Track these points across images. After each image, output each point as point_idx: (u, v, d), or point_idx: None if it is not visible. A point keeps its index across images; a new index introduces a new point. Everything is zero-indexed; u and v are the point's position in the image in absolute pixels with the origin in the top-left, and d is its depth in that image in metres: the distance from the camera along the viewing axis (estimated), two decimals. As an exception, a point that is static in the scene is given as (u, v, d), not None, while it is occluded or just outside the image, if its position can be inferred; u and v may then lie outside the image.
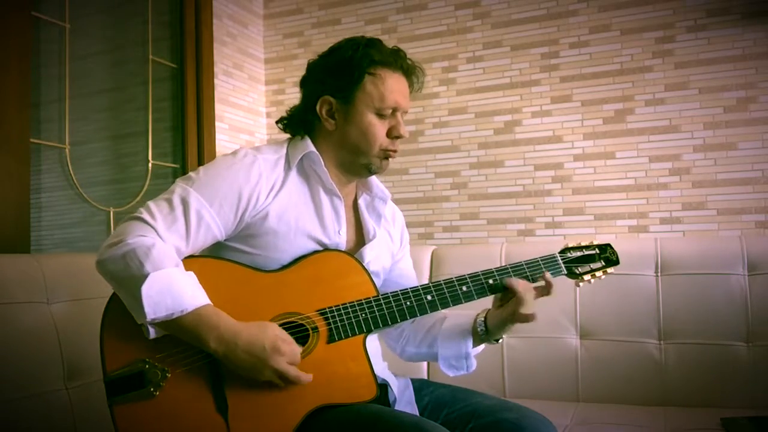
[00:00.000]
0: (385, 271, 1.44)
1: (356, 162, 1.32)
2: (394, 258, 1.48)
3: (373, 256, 1.36)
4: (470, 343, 1.38)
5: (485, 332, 1.36)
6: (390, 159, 1.33)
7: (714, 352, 1.92)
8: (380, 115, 1.29)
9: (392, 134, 1.31)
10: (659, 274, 2.02)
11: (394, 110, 1.30)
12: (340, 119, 1.30)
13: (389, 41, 1.35)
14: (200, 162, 2.52)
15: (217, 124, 2.61)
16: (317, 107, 1.31)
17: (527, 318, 1.28)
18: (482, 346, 1.42)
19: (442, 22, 2.61)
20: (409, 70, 1.34)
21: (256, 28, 2.88)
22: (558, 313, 2.08)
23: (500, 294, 1.32)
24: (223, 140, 2.65)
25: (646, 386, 1.96)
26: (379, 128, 1.29)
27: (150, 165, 2.39)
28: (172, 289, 1.09)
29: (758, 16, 2.18)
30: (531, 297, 1.29)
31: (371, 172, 1.34)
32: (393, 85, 1.29)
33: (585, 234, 2.37)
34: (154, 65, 2.44)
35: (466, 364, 1.40)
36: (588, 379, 2.02)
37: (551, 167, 2.44)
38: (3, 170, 1.83)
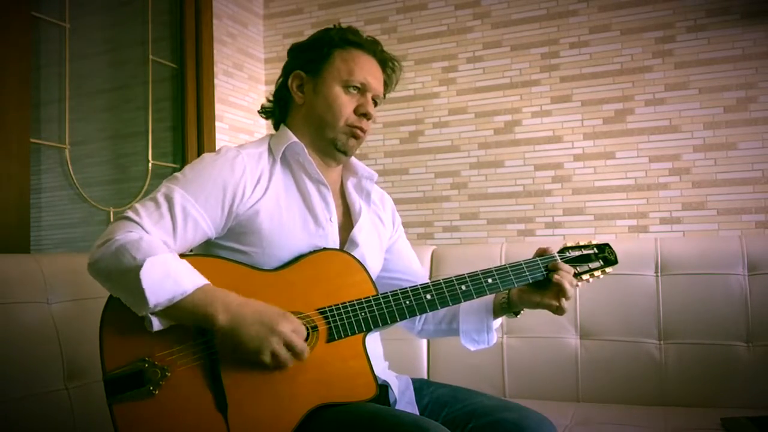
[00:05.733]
0: (381, 254, 1.45)
1: (323, 137, 1.33)
2: (389, 240, 1.49)
3: (363, 237, 1.37)
4: (492, 316, 1.42)
5: (507, 304, 1.40)
6: (358, 139, 1.34)
7: (714, 352, 1.92)
8: (347, 88, 1.31)
9: (359, 111, 1.32)
10: (659, 274, 2.02)
11: (364, 88, 1.33)
12: (309, 92, 1.34)
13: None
14: (200, 162, 2.52)
15: (217, 124, 2.61)
16: (289, 82, 1.35)
17: (561, 312, 1.33)
18: (499, 322, 1.46)
19: (442, 22, 2.61)
20: (383, 59, 1.37)
21: (256, 28, 2.88)
22: (558, 313, 2.07)
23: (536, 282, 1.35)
24: (223, 140, 2.65)
25: (646, 386, 1.96)
26: (345, 101, 1.31)
27: (150, 165, 2.39)
28: (171, 273, 1.09)
29: (758, 16, 2.18)
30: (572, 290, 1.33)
31: (338, 149, 1.34)
32: (363, 64, 1.33)
33: (585, 234, 2.37)
34: (154, 65, 2.44)
35: (488, 338, 1.43)
36: (588, 379, 2.02)
37: (551, 167, 2.44)
38: (3, 170, 1.83)
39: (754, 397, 1.86)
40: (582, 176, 2.40)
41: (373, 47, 1.36)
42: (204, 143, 2.54)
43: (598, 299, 2.05)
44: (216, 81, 2.62)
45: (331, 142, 1.33)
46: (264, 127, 2.88)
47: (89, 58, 2.24)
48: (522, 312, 1.42)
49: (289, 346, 1.12)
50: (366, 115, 1.32)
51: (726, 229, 2.22)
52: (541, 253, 1.37)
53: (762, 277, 1.93)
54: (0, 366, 1.40)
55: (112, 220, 2.24)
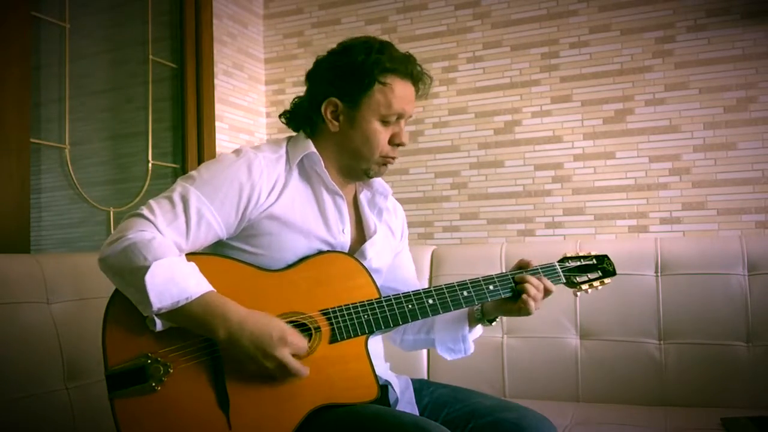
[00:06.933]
0: (387, 266, 1.45)
1: (356, 166, 1.33)
2: (395, 251, 1.49)
3: (375, 252, 1.37)
4: (466, 325, 1.42)
5: (481, 313, 1.41)
6: (387, 165, 1.34)
7: (714, 352, 1.92)
8: (385, 122, 1.29)
9: (394, 141, 1.31)
10: (659, 274, 2.02)
11: (399, 117, 1.31)
12: (345, 122, 1.30)
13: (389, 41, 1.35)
14: (200, 162, 2.52)
15: (217, 124, 2.61)
16: (322, 107, 1.30)
17: (529, 310, 1.32)
18: (479, 332, 1.46)
19: (442, 22, 2.61)
20: (417, 77, 1.33)
21: (256, 28, 2.88)
22: (558, 313, 2.08)
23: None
24: (223, 140, 2.65)
25: (646, 386, 1.96)
26: (382, 135, 1.29)
27: (150, 165, 2.39)
28: (176, 277, 1.09)
29: (758, 16, 2.18)
30: (540, 298, 1.33)
31: (369, 177, 1.35)
32: (401, 93, 1.29)
33: (585, 234, 2.37)
34: (154, 65, 2.44)
35: (464, 347, 1.43)
36: (588, 379, 2.02)
37: (551, 167, 2.44)
38: (3, 170, 1.83)
39: (754, 397, 1.86)
40: (582, 176, 2.40)
41: (408, 69, 1.30)
42: (204, 143, 2.54)
43: (598, 299, 2.04)
44: (216, 81, 2.62)
45: (364, 172, 1.33)
46: (264, 126, 2.88)
47: (89, 58, 2.24)
48: (497, 320, 1.42)
49: (284, 368, 1.12)
50: (399, 145, 1.32)
51: (726, 229, 2.22)
52: (525, 265, 1.38)
53: (762, 277, 1.93)
54: (0, 366, 1.40)
55: (112, 220, 2.24)
